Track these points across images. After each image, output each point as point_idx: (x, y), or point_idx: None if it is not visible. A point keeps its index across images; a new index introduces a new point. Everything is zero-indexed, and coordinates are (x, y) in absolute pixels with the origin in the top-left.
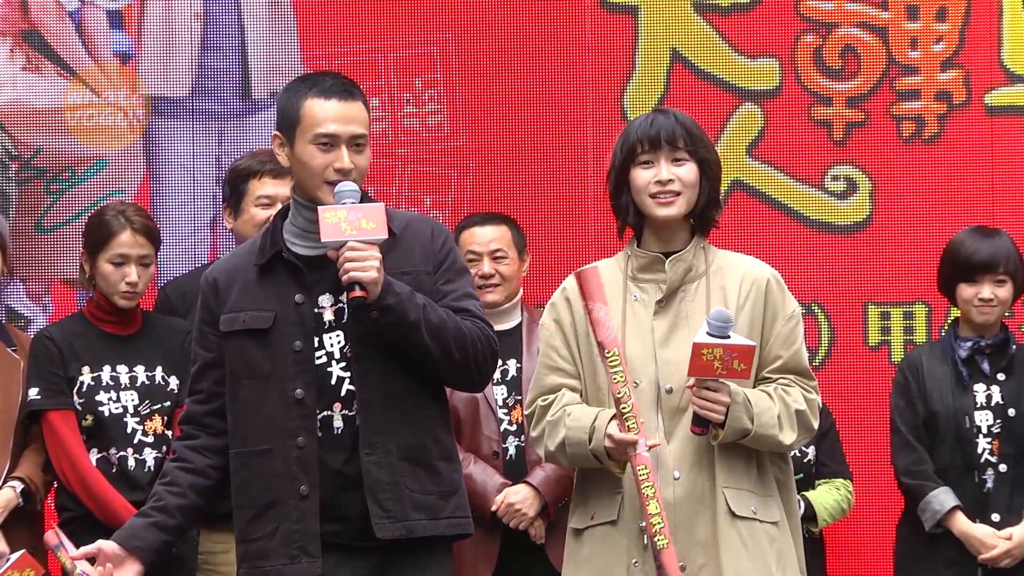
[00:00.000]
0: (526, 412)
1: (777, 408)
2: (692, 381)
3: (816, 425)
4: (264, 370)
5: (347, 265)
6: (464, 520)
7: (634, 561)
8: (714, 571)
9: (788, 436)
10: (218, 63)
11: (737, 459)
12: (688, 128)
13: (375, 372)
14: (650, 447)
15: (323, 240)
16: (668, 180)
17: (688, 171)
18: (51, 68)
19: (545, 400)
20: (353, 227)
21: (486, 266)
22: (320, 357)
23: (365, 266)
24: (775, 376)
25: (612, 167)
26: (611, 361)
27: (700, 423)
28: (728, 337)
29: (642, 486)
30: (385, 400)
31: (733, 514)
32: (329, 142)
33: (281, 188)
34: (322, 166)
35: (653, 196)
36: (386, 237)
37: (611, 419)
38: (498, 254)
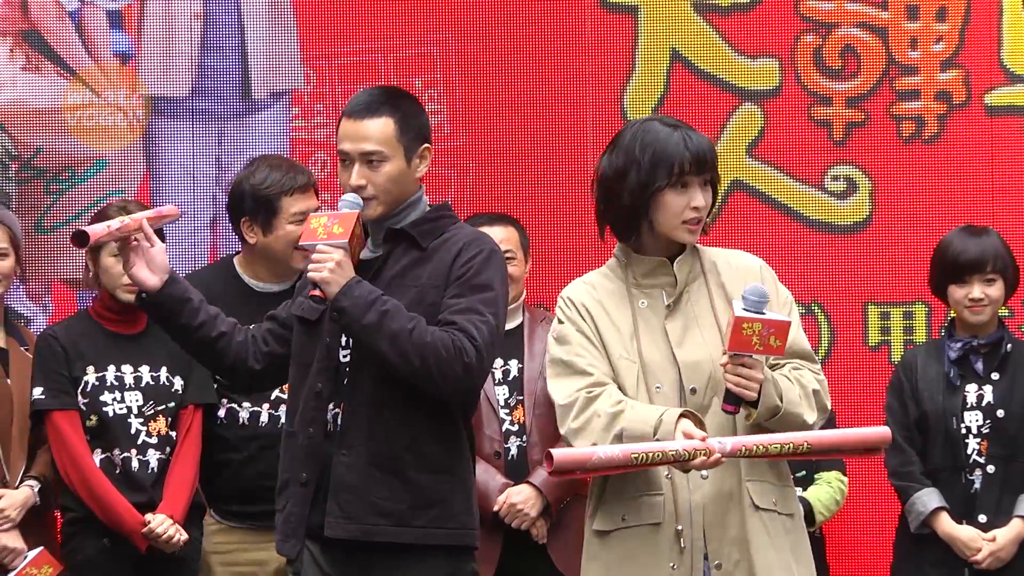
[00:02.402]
0: (563, 403)
1: (796, 388)
2: (726, 359)
3: (829, 405)
4: (306, 359)
5: (310, 266)
6: (447, 531)
7: (672, 564)
8: (747, 566)
9: (810, 416)
10: (218, 63)
11: None
12: (713, 149)
13: (368, 379)
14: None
15: (300, 243)
16: (703, 207)
17: (709, 195)
18: (51, 68)
19: (591, 392)
20: (326, 231)
21: None
22: (345, 356)
23: (320, 267)
24: (782, 361)
25: (626, 175)
26: None
27: (732, 401)
28: (763, 313)
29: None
30: (369, 408)
31: (756, 506)
32: (346, 159)
33: (311, 202)
34: (345, 182)
35: (685, 222)
36: (346, 241)
37: (680, 416)
38: (508, 255)
